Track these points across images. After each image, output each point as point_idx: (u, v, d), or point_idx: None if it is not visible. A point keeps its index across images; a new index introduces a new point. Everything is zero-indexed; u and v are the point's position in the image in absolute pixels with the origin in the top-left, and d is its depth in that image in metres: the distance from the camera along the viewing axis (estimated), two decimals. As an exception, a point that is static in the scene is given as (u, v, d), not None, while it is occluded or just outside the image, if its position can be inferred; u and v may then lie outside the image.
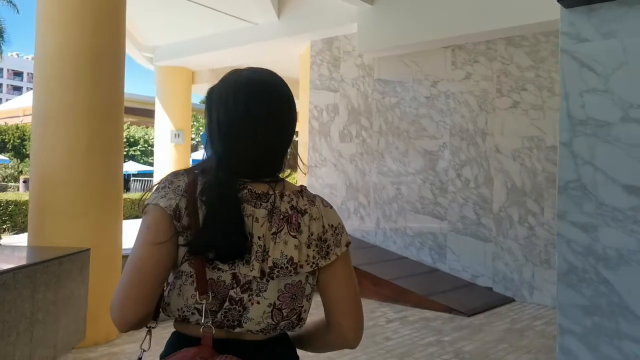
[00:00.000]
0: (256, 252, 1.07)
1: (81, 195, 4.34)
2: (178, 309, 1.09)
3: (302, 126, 9.06)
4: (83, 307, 3.64)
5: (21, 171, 27.21)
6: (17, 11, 24.41)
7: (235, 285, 1.07)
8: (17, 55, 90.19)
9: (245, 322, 1.08)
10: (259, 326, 1.09)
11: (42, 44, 4.36)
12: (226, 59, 10.19)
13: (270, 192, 1.12)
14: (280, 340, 1.17)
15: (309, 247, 1.11)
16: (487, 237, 6.95)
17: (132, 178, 26.06)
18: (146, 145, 30.57)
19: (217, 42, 9.60)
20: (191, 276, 1.06)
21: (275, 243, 1.08)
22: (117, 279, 4.21)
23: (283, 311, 1.11)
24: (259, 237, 1.07)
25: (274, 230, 1.08)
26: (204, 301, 1.05)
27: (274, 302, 1.09)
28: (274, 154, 1.16)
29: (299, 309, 1.13)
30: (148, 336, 1.14)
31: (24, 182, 25.36)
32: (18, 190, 24.68)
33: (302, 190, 1.19)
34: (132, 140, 29.96)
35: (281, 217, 1.09)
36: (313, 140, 8.81)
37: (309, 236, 1.11)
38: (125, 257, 5.55)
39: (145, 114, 36.92)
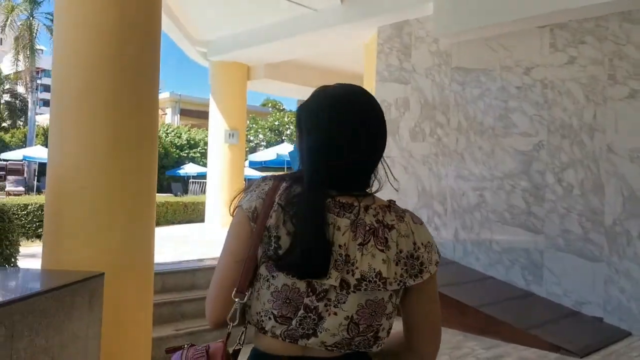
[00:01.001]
0: (335, 261, 1.05)
1: (103, 204, 3.50)
2: (257, 313, 1.10)
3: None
4: (93, 351, 2.79)
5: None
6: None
7: (310, 293, 1.06)
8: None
9: (321, 332, 1.07)
10: (334, 339, 1.07)
11: (60, 14, 3.58)
12: (283, 51, 9.35)
13: (355, 204, 1.11)
14: (355, 358, 1.11)
15: (397, 264, 1.08)
16: (597, 256, 5.68)
17: (191, 180, 25.92)
18: (206, 148, 30.44)
19: (274, 33, 8.74)
20: (267, 280, 1.08)
21: (362, 255, 1.06)
22: (148, 303, 3.36)
23: (360, 326, 1.08)
24: (339, 246, 1.06)
25: (359, 241, 1.07)
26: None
27: (352, 316, 1.07)
28: (362, 171, 1.16)
29: (377, 327, 1.10)
30: (243, 332, 1.15)
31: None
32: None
33: (389, 205, 1.16)
34: (192, 142, 29.91)
35: (367, 228, 1.08)
36: (380, 139, 7.77)
37: (397, 253, 1.09)
38: (158, 273, 4.74)
39: (206, 116, 37.21)
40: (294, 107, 14.15)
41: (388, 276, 1.07)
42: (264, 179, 1.18)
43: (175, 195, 21.64)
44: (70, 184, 3.47)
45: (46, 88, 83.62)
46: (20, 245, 4.05)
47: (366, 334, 1.09)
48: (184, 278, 4.73)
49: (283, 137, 28.86)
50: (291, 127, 28.45)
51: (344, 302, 1.06)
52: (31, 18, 24.11)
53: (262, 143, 28.94)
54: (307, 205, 1.07)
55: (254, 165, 22.63)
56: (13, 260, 3.92)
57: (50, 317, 2.38)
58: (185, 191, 23.84)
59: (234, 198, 1.17)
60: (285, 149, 19.62)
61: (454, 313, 5.36)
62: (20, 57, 24.08)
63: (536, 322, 5.34)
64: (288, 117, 29.78)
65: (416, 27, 7.41)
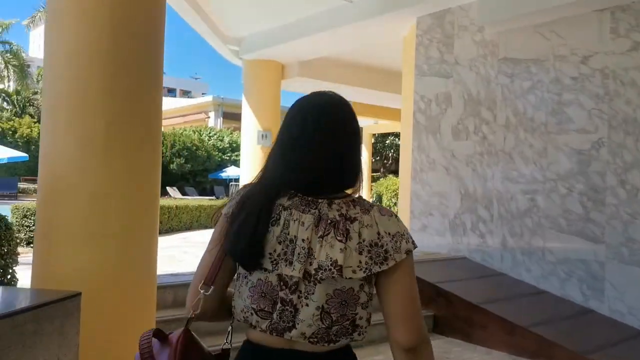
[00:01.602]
0: (298, 254, 1.12)
1: (97, 209, 3.11)
2: (241, 310, 1.18)
3: (404, 122, 7.49)
4: (69, 383, 2.38)
5: (130, 176, 27.95)
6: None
7: (283, 286, 1.14)
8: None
9: (298, 324, 1.13)
10: (311, 329, 1.13)
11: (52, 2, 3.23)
12: (317, 47, 8.89)
13: (320, 200, 1.17)
14: (339, 355, 1.18)
15: (360, 253, 1.13)
16: (670, 269, 4.94)
17: (231, 183, 25.86)
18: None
19: (307, 27, 8.30)
20: (245, 277, 1.18)
21: (321, 246, 1.12)
22: (148, 320, 3.09)
23: (332, 315, 1.14)
24: (302, 240, 1.13)
25: (320, 234, 1.13)
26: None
27: (322, 306, 1.13)
28: (331, 175, 1.20)
29: (353, 316, 1.15)
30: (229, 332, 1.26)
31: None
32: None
33: (355, 200, 1.21)
34: (234, 145, 29.90)
35: (328, 222, 1.14)
36: (418, 138, 7.20)
37: (359, 242, 1.13)
38: (170, 286, 4.35)
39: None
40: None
41: (346, 264, 1.12)
42: (245, 185, 1.27)
43: (217, 198, 21.57)
44: (62, 187, 3.11)
45: None
46: (19, 254, 3.73)
47: (341, 323, 1.14)
48: (199, 290, 4.34)
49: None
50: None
51: (313, 293, 1.13)
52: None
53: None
54: (251, 200, 1.18)
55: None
56: (10, 271, 3.60)
57: (4, 349, 1.98)
58: (228, 194, 23.81)
59: (218, 209, 1.28)
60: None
61: (500, 333, 4.75)
62: None
63: (596, 344, 4.66)
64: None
65: (459, 16, 6.80)
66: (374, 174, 27.50)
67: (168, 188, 25.09)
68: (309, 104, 1.26)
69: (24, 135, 28.90)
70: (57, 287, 2.82)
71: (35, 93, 33.65)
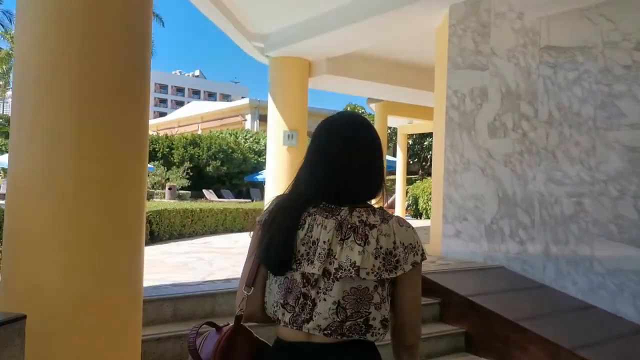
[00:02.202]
0: (319, 254, 1.26)
1: (67, 213, 2.74)
2: (272, 305, 1.31)
3: (437, 119, 6.94)
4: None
5: (168, 179, 28.23)
6: (163, 24, 25.24)
7: (305, 283, 1.27)
8: (180, 72, 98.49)
9: (315, 316, 1.25)
10: (326, 322, 1.25)
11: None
12: (345, 42, 8.42)
13: (342, 207, 1.30)
14: (351, 348, 1.27)
15: (376, 258, 1.25)
16: None
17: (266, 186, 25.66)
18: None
19: (335, 21, 7.84)
20: (274, 276, 1.31)
21: (342, 248, 1.25)
22: (131, 341, 2.92)
23: (347, 310, 1.24)
24: (324, 242, 1.26)
25: (340, 237, 1.26)
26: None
27: (339, 301, 1.25)
28: (352, 186, 1.32)
29: (366, 315, 1.25)
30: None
31: (169, 189, 26.26)
32: (164, 197, 25.56)
33: (376, 209, 1.33)
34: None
35: (349, 227, 1.27)
36: (451, 136, 6.63)
37: (376, 248, 1.25)
38: (149, 301, 3.92)
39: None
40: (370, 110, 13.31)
41: (363, 266, 1.24)
42: (278, 196, 1.40)
43: (253, 200, 21.37)
44: (28, 189, 2.75)
45: None
46: None
47: (355, 319, 1.25)
48: (202, 304, 3.93)
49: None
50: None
51: (331, 289, 1.26)
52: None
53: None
54: (282, 212, 1.33)
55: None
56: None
57: None
58: (263, 197, 23.60)
59: (254, 219, 1.71)
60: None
61: (542, 355, 4.16)
62: None
63: (657, 371, 4.03)
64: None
65: (495, 2, 6.22)
66: (411, 176, 26.79)
67: (204, 191, 25.06)
68: (332, 122, 1.39)
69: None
70: (18, 307, 2.46)
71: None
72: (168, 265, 5.40)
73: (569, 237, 5.44)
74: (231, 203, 14.00)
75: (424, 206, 15.42)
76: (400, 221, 1.32)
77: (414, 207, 17.09)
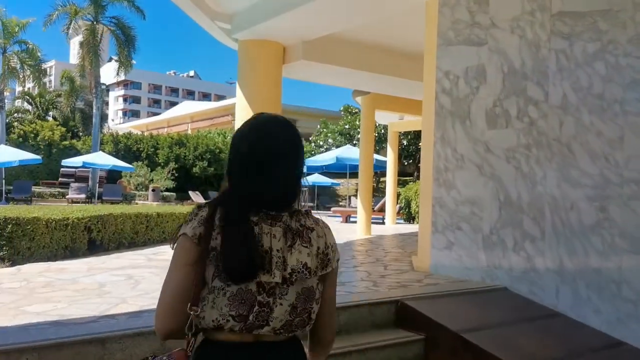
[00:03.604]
0: (276, 263, 1.28)
1: None
2: (213, 320, 1.27)
3: (425, 107, 5.79)
4: None
5: (152, 180, 27.05)
6: (144, 17, 24.08)
7: (261, 291, 1.28)
8: (174, 73, 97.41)
9: (271, 321, 1.29)
10: (281, 323, 1.30)
11: None
12: (323, 20, 7.25)
13: (282, 213, 1.34)
14: (294, 342, 1.37)
15: (316, 257, 1.34)
16: None
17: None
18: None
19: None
20: (222, 289, 1.26)
21: (291, 253, 1.30)
22: None
23: (298, 309, 1.31)
24: (277, 250, 1.29)
25: (289, 243, 1.31)
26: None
27: (293, 303, 1.30)
28: (283, 189, 1.35)
29: (310, 309, 1.34)
30: (193, 341, 1.31)
31: (153, 190, 25.09)
32: (147, 199, 24.39)
33: (307, 212, 1.39)
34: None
35: (294, 232, 1.32)
36: (442, 127, 5.48)
37: (317, 249, 1.34)
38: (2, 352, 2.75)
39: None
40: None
41: (312, 266, 1.32)
42: (200, 206, 1.35)
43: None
44: None
45: (135, 99, 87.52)
46: None
47: (302, 315, 1.33)
48: (84, 355, 2.75)
49: (354, 142, 26.78)
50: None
51: (286, 294, 1.30)
52: (95, 22, 23.73)
53: (332, 148, 27.03)
54: (233, 224, 1.29)
55: (313, 170, 20.57)
56: None
57: None
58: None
59: (178, 230, 1.33)
60: (348, 152, 17.31)
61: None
62: (86, 63, 23.74)
63: None
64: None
65: (495, -38, 5.08)
66: (406, 178, 25.63)
67: (190, 192, 23.87)
68: (259, 124, 1.39)
69: (46, 138, 28.31)
70: None
71: (59, 95, 33.25)
72: (76, 288, 4.23)
73: (590, 252, 4.28)
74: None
75: (417, 209, 14.28)
76: (325, 223, 1.42)
77: (406, 210, 15.95)
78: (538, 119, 4.72)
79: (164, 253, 6.82)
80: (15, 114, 32.76)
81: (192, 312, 1.25)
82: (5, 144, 23.15)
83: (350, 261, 6.58)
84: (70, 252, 6.31)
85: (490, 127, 5.08)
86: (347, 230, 12.43)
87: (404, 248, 8.36)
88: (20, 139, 27.34)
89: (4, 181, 21.27)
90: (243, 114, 8.27)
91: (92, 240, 6.80)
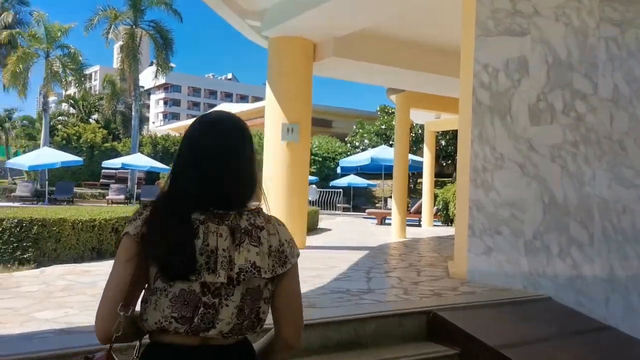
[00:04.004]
0: (221, 262, 1.25)
1: None
2: (156, 322, 1.24)
3: (462, 102, 5.44)
4: None
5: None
6: (181, 20, 24.31)
7: (206, 292, 1.25)
8: (213, 76, 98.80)
9: (218, 323, 1.25)
10: (229, 326, 1.26)
11: None
12: (355, 15, 6.97)
13: (230, 212, 1.30)
14: (243, 345, 1.33)
15: (269, 256, 1.30)
16: None
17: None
18: (312, 156, 28.93)
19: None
20: (165, 290, 1.24)
21: (239, 252, 1.27)
22: None
23: (245, 311, 1.28)
24: (223, 250, 1.26)
25: (236, 242, 1.27)
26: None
27: (239, 304, 1.27)
28: (228, 188, 1.31)
29: (257, 309, 1.30)
30: (138, 345, 1.32)
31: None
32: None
33: (258, 210, 1.35)
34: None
35: (242, 231, 1.28)
36: (480, 124, 5.13)
37: (269, 247, 1.31)
38: None
39: (314, 123, 35.87)
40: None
41: (262, 266, 1.28)
42: (144, 206, 1.33)
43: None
44: None
45: (175, 102, 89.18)
46: None
47: (250, 317, 1.29)
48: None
49: (391, 142, 26.36)
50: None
51: (232, 295, 1.26)
52: (134, 26, 24.11)
53: (368, 148, 26.68)
54: (172, 222, 1.25)
55: (347, 170, 20.26)
56: None
57: None
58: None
59: (121, 234, 1.29)
60: (383, 152, 16.93)
61: None
62: (125, 66, 24.15)
63: None
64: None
65: (538, -55, 4.70)
66: (443, 179, 25.05)
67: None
68: (207, 122, 1.36)
69: (88, 140, 29.00)
70: None
71: (101, 99, 34.02)
72: (93, 293, 4.04)
73: (646, 260, 3.87)
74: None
75: (455, 211, 13.82)
76: (278, 220, 1.38)
77: (444, 212, 15.47)
78: (586, 113, 4.32)
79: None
80: (60, 117, 33.74)
81: (121, 313, 1.22)
82: (50, 146, 23.81)
83: (381, 266, 6.28)
84: (97, 253, 6.23)
85: (534, 123, 4.70)
86: (381, 232, 12.10)
87: (439, 252, 7.99)
88: (64, 141, 28.11)
89: (47, 182, 21.81)
90: (272, 114, 8.09)
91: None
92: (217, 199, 1.29)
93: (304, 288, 4.93)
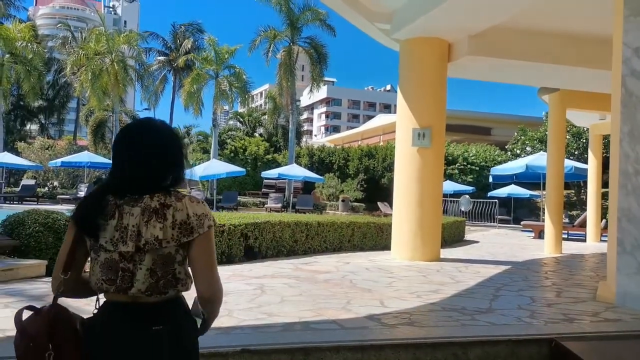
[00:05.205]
0: (130, 236, 1.57)
1: None
2: (95, 283, 1.61)
3: (614, 94, 4.63)
4: None
5: (342, 190, 27.86)
6: (335, 35, 25.00)
7: (123, 259, 1.57)
8: (372, 88, 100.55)
9: (135, 283, 1.57)
10: (144, 285, 1.57)
11: None
12: (493, 7, 6.39)
13: (144, 196, 1.61)
14: (170, 302, 1.61)
15: (173, 228, 1.58)
16: None
17: (444, 199, 23.47)
18: (465, 164, 27.71)
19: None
20: (96, 259, 1.61)
21: (147, 228, 1.57)
22: None
23: (158, 272, 1.58)
24: (133, 226, 1.57)
25: (145, 220, 1.58)
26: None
27: (150, 267, 1.57)
28: (140, 180, 1.63)
29: (172, 271, 1.59)
30: (97, 300, 1.65)
31: (342, 201, 25.88)
32: (337, 209, 25.26)
33: (172, 193, 1.65)
34: (449, 158, 27.50)
35: (151, 210, 1.59)
36: (630, 119, 4.29)
37: (172, 222, 1.58)
38: None
39: (472, 130, 34.25)
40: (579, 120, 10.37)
41: (164, 238, 1.57)
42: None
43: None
44: None
45: (336, 115, 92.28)
46: None
47: (166, 277, 1.58)
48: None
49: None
50: (567, 137, 23.21)
51: (144, 260, 1.57)
52: (292, 44, 25.39)
53: (531, 157, 24.66)
54: (87, 202, 1.65)
55: (501, 179, 18.81)
56: None
57: None
58: (445, 211, 21.51)
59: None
60: (541, 160, 15.32)
61: None
62: (284, 82, 25.52)
63: None
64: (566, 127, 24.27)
65: None
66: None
67: (379, 204, 23.94)
68: (129, 127, 1.74)
69: (252, 152, 31.21)
70: None
71: (264, 114, 36.44)
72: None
73: None
74: (360, 217, 12.47)
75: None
76: (192, 199, 1.65)
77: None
78: None
79: (316, 263, 6.63)
80: (229, 132, 36.87)
81: (62, 276, 1.60)
82: (218, 159, 26.12)
83: (517, 283, 5.59)
84: (226, 258, 6.49)
85: (700, 115, 3.78)
86: (535, 246, 11.00)
87: (596, 271, 6.94)
88: (232, 154, 30.64)
89: (215, 191, 23.88)
90: (403, 119, 7.77)
91: (250, 247, 6.93)
92: (130, 187, 1.61)
93: (415, 303, 4.58)
